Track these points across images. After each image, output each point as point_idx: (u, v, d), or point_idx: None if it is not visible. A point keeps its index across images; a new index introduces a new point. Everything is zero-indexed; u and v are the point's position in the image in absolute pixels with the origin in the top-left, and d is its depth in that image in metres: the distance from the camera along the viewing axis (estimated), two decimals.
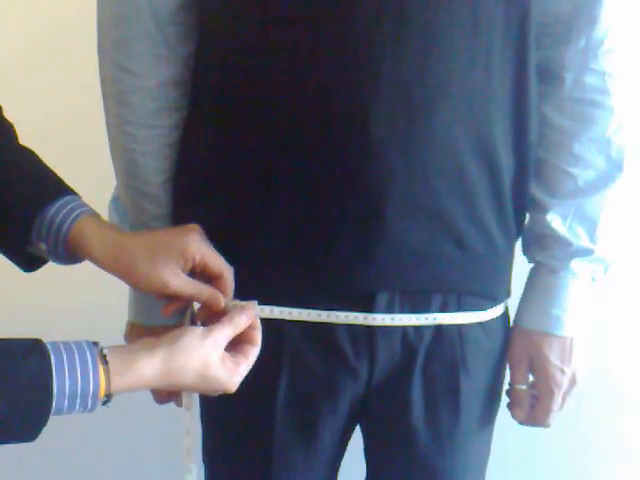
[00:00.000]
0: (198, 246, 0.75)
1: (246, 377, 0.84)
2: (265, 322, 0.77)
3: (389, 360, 0.84)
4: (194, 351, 0.68)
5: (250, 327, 0.74)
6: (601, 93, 0.84)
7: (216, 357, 0.69)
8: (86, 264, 0.80)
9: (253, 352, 0.74)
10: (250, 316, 0.74)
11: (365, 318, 0.81)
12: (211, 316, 0.77)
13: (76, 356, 0.62)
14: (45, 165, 0.82)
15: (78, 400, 0.62)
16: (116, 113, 0.85)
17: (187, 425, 0.71)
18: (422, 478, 0.90)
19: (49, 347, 0.62)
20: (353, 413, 0.88)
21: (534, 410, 0.93)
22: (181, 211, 0.87)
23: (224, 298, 0.76)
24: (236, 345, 0.73)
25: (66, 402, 0.62)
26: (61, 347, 0.63)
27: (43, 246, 0.78)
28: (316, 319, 0.80)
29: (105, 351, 0.64)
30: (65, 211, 0.77)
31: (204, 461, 0.94)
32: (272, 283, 0.81)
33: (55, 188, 0.79)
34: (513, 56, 0.80)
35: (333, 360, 0.83)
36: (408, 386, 0.85)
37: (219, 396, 0.89)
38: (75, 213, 0.77)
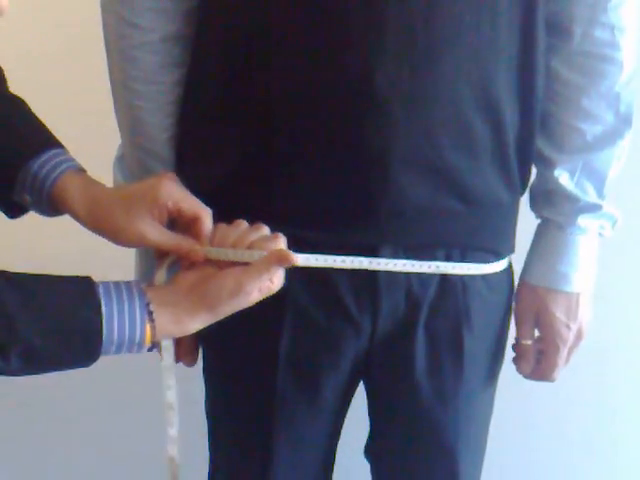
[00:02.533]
0: (169, 193, 0.73)
1: (248, 332, 0.85)
2: None
3: (392, 315, 0.84)
4: (232, 304, 0.70)
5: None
6: (610, 47, 0.84)
7: (252, 297, 0.70)
8: None
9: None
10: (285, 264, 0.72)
11: (370, 262, 0.80)
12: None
13: (125, 307, 0.65)
14: (34, 116, 0.81)
15: (125, 347, 0.66)
16: (120, 69, 0.84)
17: (166, 344, 0.72)
18: (425, 433, 0.90)
19: (101, 294, 0.65)
20: (356, 369, 0.88)
21: (540, 365, 0.93)
22: (184, 168, 0.86)
23: (205, 248, 0.73)
24: None
25: (113, 348, 0.66)
26: (113, 294, 0.66)
27: (27, 197, 0.78)
28: (322, 264, 0.79)
29: (152, 307, 0.67)
30: (49, 166, 0.77)
31: (207, 416, 0.95)
32: None
33: (41, 141, 0.79)
34: (521, 8, 0.78)
35: (336, 315, 0.83)
36: (411, 341, 0.85)
37: (221, 351, 0.90)
38: (60, 169, 0.77)
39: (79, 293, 0.64)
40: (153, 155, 0.87)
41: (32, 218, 0.83)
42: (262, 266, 0.70)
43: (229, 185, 0.83)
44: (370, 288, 0.83)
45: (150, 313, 0.66)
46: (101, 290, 0.65)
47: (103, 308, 0.64)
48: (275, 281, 0.71)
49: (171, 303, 0.69)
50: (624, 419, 1.41)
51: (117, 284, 0.67)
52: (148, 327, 0.66)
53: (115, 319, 0.64)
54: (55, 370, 0.65)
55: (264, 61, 0.78)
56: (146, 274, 0.90)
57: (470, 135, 0.79)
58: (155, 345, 0.69)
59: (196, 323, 0.69)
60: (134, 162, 0.88)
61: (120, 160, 0.91)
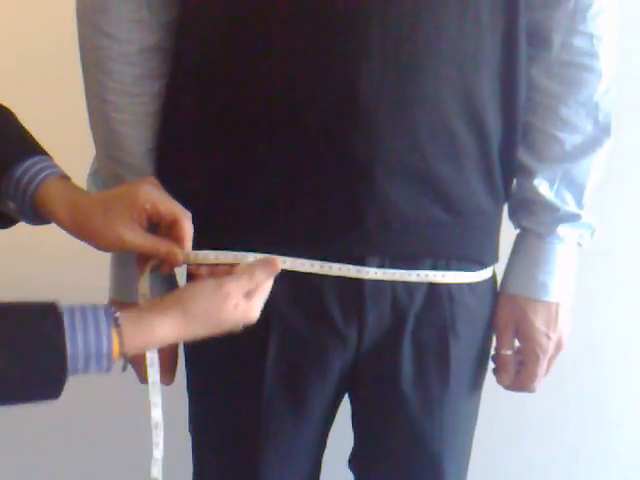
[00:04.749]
0: (147, 195, 0.73)
1: (233, 344, 0.84)
2: None
3: (378, 326, 0.84)
4: (206, 307, 0.68)
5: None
6: (589, 56, 0.84)
7: (229, 307, 0.69)
8: None
9: (267, 283, 0.73)
10: (270, 273, 0.72)
11: (358, 271, 0.81)
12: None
13: (89, 316, 0.64)
14: (19, 125, 0.81)
15: (93, 361, 0.64)
16: (96, 81, 0.83)
17: (150, 357, 0.70)
18: (410, 443, 0.90)
19: (63, 309, 0.64)
20: (342, 379, 0.88)
21: (520, 375, 0.93)
22: (164, 183, 0.85)
23: (184, 251, 0.73)
24: None
25: (81, 363, 0.63)
26: (75, 308, 0.64)
27: (12, 205, 0.78)
28: (308, 269, 0.79)
29: (117, 314, 0.65)
30: (32, 172, 0.76)
31: (190, 430, 0.94)
32: (261, 250, 0.79)
33: (25, 148, 0.78)
34: (502, 17, 0.79)
35: (322, 326, 0.83)
36: (398, 351, 0.85)
37: (206, 364, 0.89)
38: (42, 175, 0.76)
39: (39, 311, 0.63)
40: (130, 169, 0.85)
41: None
42: (245, 268, 0.70)
43: (212, 197, 0.82)
44: (356, 300, 0.82)
45: (116, 319, 0.65)
46: (63, 307, 0.64)
47: (65, 321, 0.63)
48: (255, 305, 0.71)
49: (138, 309, 0.68)
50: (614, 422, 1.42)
51: (81, 304, 0.66)
52: (115, 333, 0.64)
53: (79, 330, 0.63)
54: (23, 398, 0.63)
55: (246, 71, 0.77)
56: (122, 288, 0.89)
57: (455, 144, 0.79)
58: (127, 359, 0.67)
59: (166, 326, 0.67)
60: (110, 176, 0.87)
61: (94, 175, 0.90)
